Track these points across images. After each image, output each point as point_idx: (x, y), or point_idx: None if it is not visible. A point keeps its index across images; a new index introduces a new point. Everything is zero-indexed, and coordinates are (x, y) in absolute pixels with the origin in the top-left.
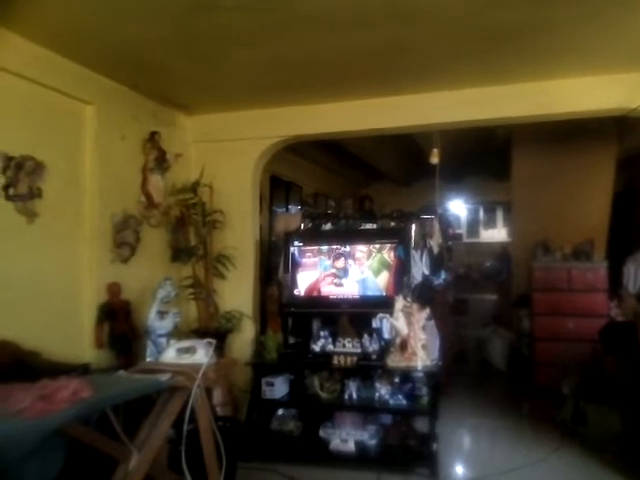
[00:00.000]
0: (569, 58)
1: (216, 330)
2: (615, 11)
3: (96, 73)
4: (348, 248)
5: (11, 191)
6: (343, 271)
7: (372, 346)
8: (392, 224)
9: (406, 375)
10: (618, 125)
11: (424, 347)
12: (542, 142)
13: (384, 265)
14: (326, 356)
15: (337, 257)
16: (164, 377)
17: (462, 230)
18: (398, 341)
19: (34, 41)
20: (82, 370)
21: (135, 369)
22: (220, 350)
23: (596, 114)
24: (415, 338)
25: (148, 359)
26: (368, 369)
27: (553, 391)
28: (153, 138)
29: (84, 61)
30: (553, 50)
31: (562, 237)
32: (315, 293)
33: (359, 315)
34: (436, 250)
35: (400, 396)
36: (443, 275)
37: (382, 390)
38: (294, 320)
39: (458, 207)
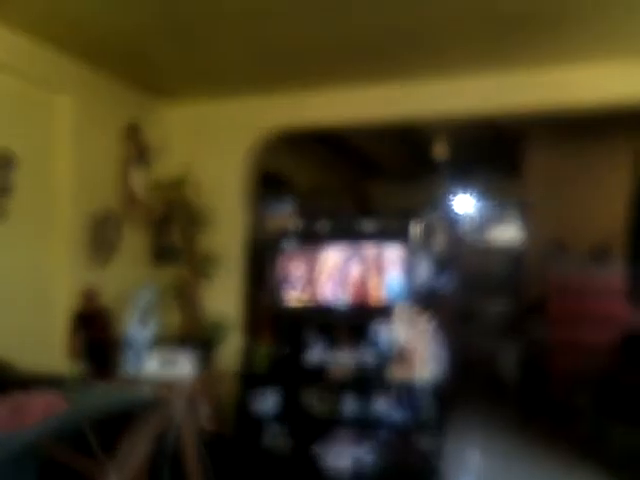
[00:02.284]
0: (588, 44)
1: (201, 338)
2: None
3: (73, 59)
4: (345, 249)
5: None
6: (339, 274)
7: (370, 356)
8: (394, 223)
9: (407, 388)
10: (637, 122)
11: (427, 357)
12: (558, 140)
13: (383, 268)
14: (320, 367)
15: (333, 259)
16: (145, 390)
17: (469, 230)
18: (398, 351)
19: (7, 26)
20: (56, 382)
21: (114, 381)
22: (205, 360)
23: (616, 102)
24: (417, 347)
25: (128, 371)
26: (366, 381)
27: (568, 404)
28: (134, 130)
29: (60, 48)
30: (573, 36)
31: (578, 239)
32: (309, 298)
33: (356, 323)
34: (440, 251)
35: (400, 410)
36: (448, 278)
37: (381, 404)
38: (286, 328)
39: (465, 205)
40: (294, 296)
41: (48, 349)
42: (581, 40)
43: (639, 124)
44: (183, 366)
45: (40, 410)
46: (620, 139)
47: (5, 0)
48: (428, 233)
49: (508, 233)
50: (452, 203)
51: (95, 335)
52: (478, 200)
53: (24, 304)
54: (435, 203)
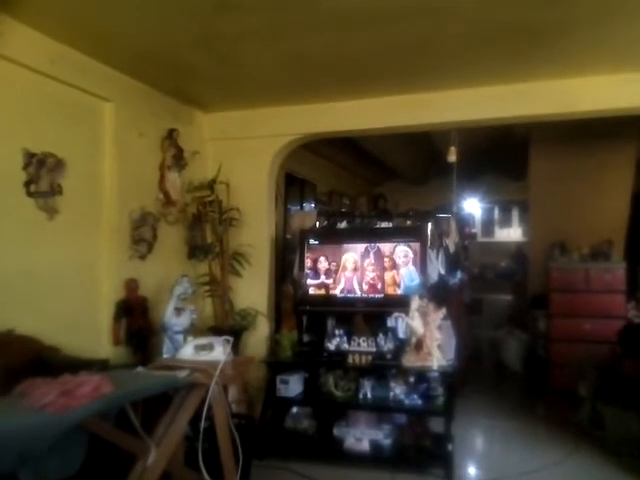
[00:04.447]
0: (591, 56)
1: (231, 327)
2: (636, 7)
3: (116, 71)
4: (364, 246)
5: (32, 188)
6: (359, 269)
7: (387, 345)
8: (408, 223)
9: (421, 375)
10: (638, 124)
11: (440, 347)
12: (560, 141)
13: (399, 264)
14: (341, 355)
15: (352, 256)
16: (182, 374)
17: (477, 229)
18: (413, 341)
19: (57, 39)
20: (101, 366)
21: (153, 365)
22: (235, 348)
23: (617, 112)
24: (431, 338)
25: (165, 355)
26: (383, 368)
27: (569, 393)
28: (171, 136)
29: (105, 59)
30: (575, 48)
31: (580, 237)
32: (331, 291)
33: (374, 314)
34: (452, 249)
35: (415, 396)
36: (459, 274)
37: (397, 389)
38: (309, 318)
39: (473, 206)
40: (317, 289)
41: (95, 335)
42: (585, 54)
43: (639, 131)
44: (216, 352)
45: (89, 392)
46: (622, 142)
47: (57, 16)
48: (440, 232)
49: (514, 232)
50: (463, 204)
51: (136, 322)
52: (487, 201)
53: (72, 294)
54: (447, 204)
